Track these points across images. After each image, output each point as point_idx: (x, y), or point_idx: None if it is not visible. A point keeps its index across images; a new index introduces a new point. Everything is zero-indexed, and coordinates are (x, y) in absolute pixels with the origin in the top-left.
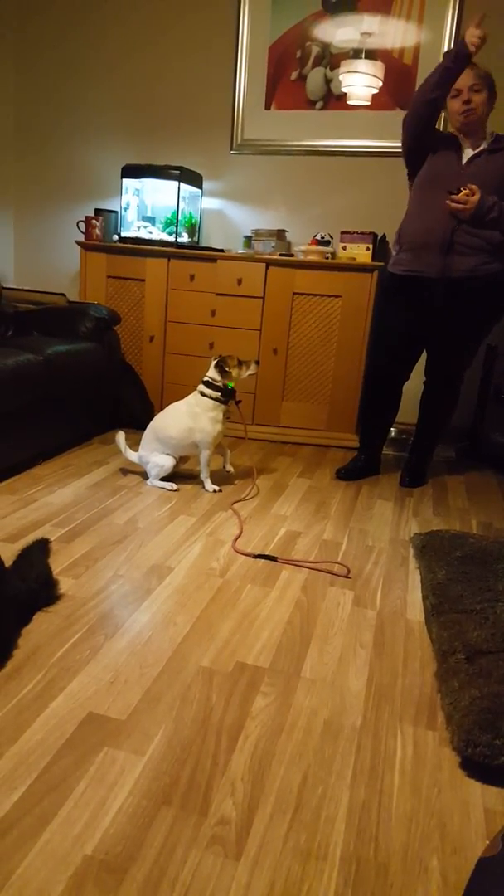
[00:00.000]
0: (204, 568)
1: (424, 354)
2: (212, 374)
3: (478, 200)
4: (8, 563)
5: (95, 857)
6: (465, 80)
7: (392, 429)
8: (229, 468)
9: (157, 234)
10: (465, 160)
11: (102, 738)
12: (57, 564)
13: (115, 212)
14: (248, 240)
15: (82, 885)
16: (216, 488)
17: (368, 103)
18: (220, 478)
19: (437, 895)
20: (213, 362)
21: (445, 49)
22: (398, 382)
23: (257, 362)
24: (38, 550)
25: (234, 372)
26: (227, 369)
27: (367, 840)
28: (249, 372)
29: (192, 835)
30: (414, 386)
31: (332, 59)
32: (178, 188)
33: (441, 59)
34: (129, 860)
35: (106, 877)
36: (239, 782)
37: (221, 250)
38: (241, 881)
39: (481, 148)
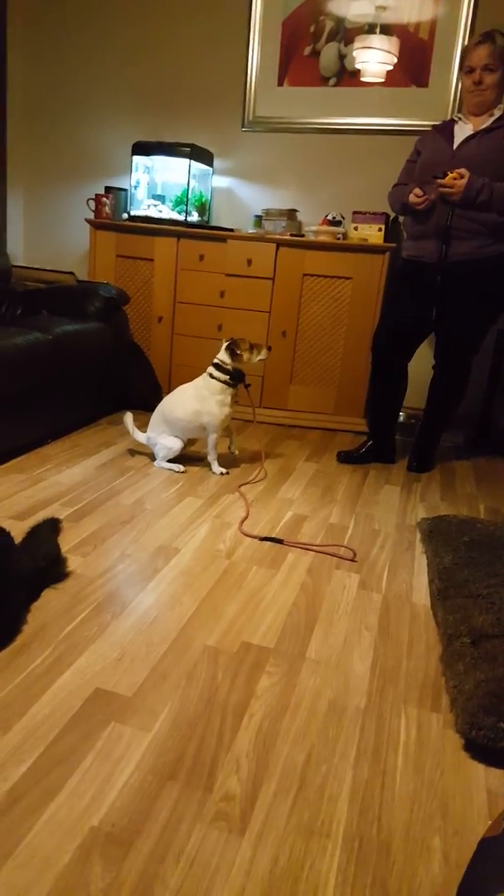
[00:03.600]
0: (210, 549)
1: (433, 338)
2: (222, 356)
3: (465, 183)
4: (17, 540)
5: (102, 829)
6: (480, 57)
7: (400, 413)
8: (234, 451)
9: (166, 212)
10: (459, 142)
11: (109, 714)
12: (65, 543)
13: (125, 190)
14: (259, 219)
15: (89, 855)
16: (223, 471)
17: (383, 80)
18: (228, 461)
19: (439, 874)
20: (225, 344)
21: (463, 23)
22: (399, 362)
23: (269, 348)
24: (48, 529)
25: (245, 356)
26: (238, 352)
27: (370, 819)
28: (260, 357)
29: (197, 809)
30: (424, 371)
31: (346, 33)
32: (189, 166)
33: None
34: (135, 833)
35: (112, 848)
36: (244, 760)
37: (231, 230)
38: (245, 856)
39: (479, 128)
